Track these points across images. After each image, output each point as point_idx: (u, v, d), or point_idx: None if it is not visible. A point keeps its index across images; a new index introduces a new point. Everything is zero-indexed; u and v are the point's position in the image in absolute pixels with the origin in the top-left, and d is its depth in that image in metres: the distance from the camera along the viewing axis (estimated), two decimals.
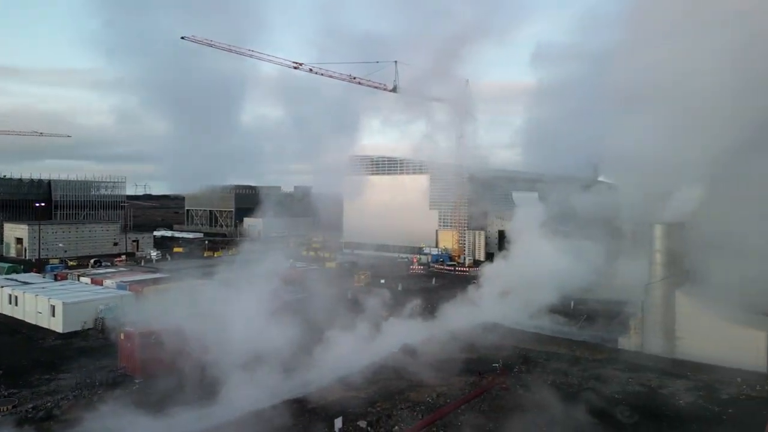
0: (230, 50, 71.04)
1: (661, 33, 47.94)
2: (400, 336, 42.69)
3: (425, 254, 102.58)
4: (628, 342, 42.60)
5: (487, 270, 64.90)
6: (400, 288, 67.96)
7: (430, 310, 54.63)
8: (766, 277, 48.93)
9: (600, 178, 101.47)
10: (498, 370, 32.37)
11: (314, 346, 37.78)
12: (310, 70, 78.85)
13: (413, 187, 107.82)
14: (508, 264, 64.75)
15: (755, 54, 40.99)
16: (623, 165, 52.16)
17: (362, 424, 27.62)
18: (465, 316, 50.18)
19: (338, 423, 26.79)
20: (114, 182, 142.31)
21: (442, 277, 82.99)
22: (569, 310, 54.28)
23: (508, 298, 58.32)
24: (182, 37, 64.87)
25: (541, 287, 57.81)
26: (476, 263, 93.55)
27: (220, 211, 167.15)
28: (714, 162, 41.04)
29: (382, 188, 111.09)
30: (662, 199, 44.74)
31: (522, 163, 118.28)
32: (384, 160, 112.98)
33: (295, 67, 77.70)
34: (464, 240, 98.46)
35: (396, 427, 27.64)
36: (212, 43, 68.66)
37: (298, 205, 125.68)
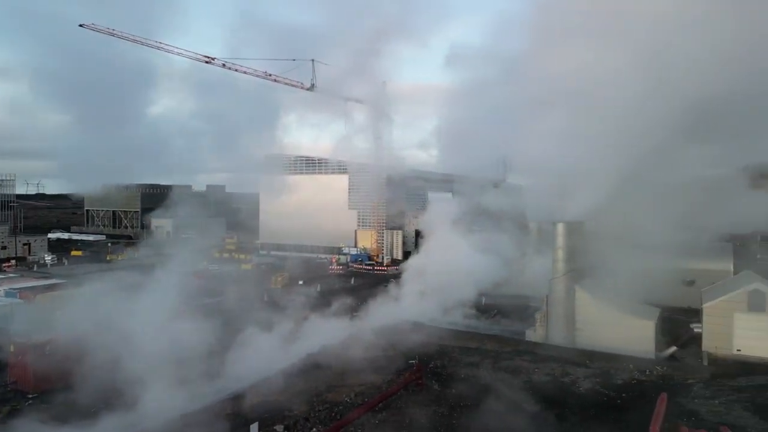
0: (135, 41, 67.06)
1: (567, 40, 51.32)
2: (319, 337, 42.43)
3: (344, 254, 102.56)
4: (534, 334, 45.17)
5: (405, 269, 66.19)
6: (318, 288, 67.47)
7: (349, 309, 54.73)
8: (656, 271, 53.94)
9: (509, 179, 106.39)
10: (414, 367, 33.06)
11: (228, 351, 36.57)
12: (223, 65, 76.30)
13: (332, 187, 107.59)
14: (423, 262, 66.45)
15: (659, 62, 44.92)
16: (529, 166, 55.18)
17: (279, 428, 27.13)
18: (383, 315, 50.77)
19: (254, 429, 26.10)
20: (1, 180, 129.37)
21: (361, 277, 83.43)
22: (481, 305, 56.49)
23: (424, 296, 59.82)
24: (80, 25, 60.36)
25: (454, 284, 59.79)
26: (394, 262, 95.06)
27: (124, 211, 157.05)
28: (615, 164, 44.56)
29: (301, 188, 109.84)
30: (565, 198, 47.88)
31: (437, 164, 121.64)
32: (302, 160, 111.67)
33: (207, 62, 74.86)
34: (383, 239, 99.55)
35: (314, 429, 27.43)
36: (114, 32, 64.46)
37: (211, 204, 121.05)
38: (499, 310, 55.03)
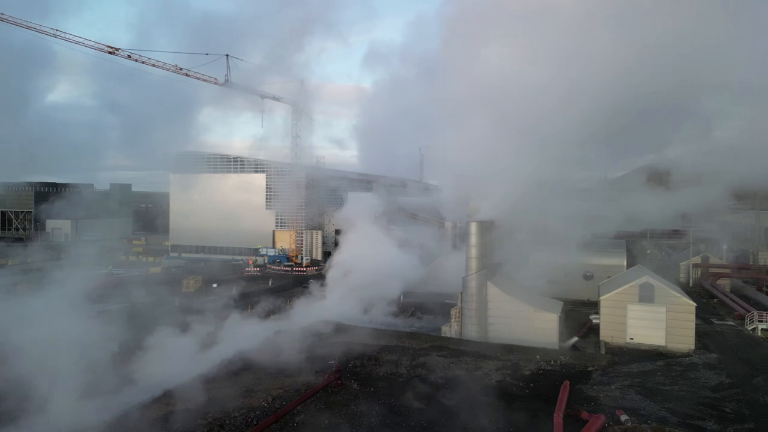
0: (27, 27, 61.38)
1: (483, 46, 53.48)
2: (235, 341, 41.22)
3: (262, 255, 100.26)
4: (449, 330, 46.63)
5: (327, 268, 65.90)
6: (234, 291, 65.44)
7: (266, 312, 53.63)
8: (560, 266, 57.53)
9: (427, 179, 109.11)
10: (333, 367, 32.96)
11: (133, 360, 34.54)
12: (129, 56, 71.72)
13: (249, 186, 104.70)
14: (344, 261, 66.57)
15: (573, 67, 47.81)
16: (443, 167, 56.93)
17: None
18: (302, 316, 50.28)
19: None
20: None
21: (280, 278, 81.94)
22: (400, 303, 57.44)
23: (345, 296, 59.95)
24: None
25: (374, 283, 60.46)
26: (314, 263, 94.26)
27: (15, 212, 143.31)
28: (526, 166, 47.00)
29: (215, 187, 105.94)
30: (477, 198, 49.86)
31: (357, 164, 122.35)
32: (217, 158, 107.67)
33: (110, 53, 69.96)
34: (302, 240, 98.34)
35: None
36: (3, 17, 58.65)
37: (116, 204, 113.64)
38: (418, 308, 56.22)
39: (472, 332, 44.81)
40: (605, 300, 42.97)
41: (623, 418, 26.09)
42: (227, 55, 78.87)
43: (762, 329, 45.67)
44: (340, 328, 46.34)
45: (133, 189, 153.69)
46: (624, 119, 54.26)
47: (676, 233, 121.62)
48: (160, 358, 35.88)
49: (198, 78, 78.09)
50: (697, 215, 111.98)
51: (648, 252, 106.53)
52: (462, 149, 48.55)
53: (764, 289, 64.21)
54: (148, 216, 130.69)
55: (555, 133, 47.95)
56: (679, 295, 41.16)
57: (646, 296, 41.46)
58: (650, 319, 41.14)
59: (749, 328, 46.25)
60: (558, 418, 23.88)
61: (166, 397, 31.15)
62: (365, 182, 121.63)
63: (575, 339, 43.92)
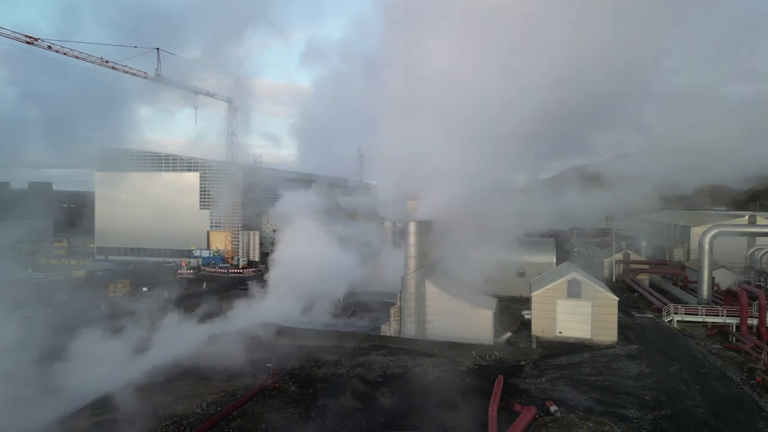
0: None
1: (422, 43, 54.15)
2: (167, 346, 39.69)
3: (196, 257, 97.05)
4: (389, 329, 46.99)
5: (263, 270, 64.62)
6: (166, 295, 62.88)
7: (200, 315, 51.94)
8: (494, 264, 59.20)
9: (367, 179, 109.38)
10: (271, 370, 32.38)
11: (55, 368, 32.49)
12: (49, 47, 67.27)
13: (182, 185, 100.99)
14: (281, 262, 65.59)
15: (509, 67, 49.18)
16: (382, 166, 57.33)
17: None
18: (239, 319, 49.10)
19: None
20: None
21: (215, 281, 79.60)
22: (340, 303, 57.27)
23: (283, 297, 59.10)
24: None
25: (314, 283, 59.96)
26: (251, 264, 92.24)
27: None
28: (464, 166, 48.06)
29: (146, 186, 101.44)
30: (415, 198, 50.55)
31: (296, 163, 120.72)
32: (148, 156, 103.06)
33: (28, 42, 65.31)
34: (238, 241, 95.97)
35: None
36: None
37: (35, 204, 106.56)
38: (359, 307, 56.27)
39: (410, 330, 45.38)
40: (536, 296, 44.75)
41: (553, 408, 27.29)
42: (158, 48, 75.73)
43: (677, 321, 49.12)
44: (279, 330, 45.57)
45: (54, 188, 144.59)
46: (558, 121, 56.77)
47: (601, 232, 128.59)
48: (85, 366, 33.97)
49: (126, 72, 74.43)
50: (619, 214, 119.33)
51: (575, 249, 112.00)
52: (400, 148, 49.06)
53: (679, 283, 69.01)
54: (70, 216, 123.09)
55: (492, 133, 49.41)
56: (603, 290, 43.57)
57: (574, 292, 43.57)
58: (577, 314, 43.27)
59: (666, 320, 49.60)
60: (492, 411, 24.63)
61: (92, 407, 29.50)
62: (304, 181, 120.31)
63: (509, 334, 45.47)
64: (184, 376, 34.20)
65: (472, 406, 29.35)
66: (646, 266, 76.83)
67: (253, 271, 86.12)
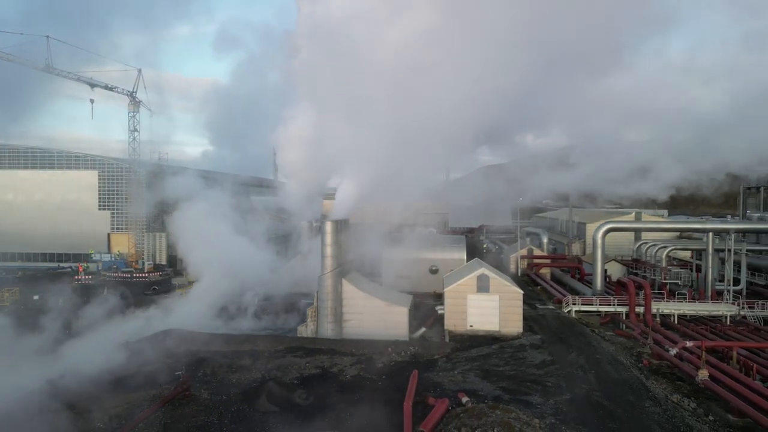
0: None
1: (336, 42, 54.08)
2: (64, 357, 36.73)
3: (95, 261, 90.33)
4: (306, 330, 46.65)
5: (171, 274, 61.66)
6: (61, 302, 57.99)
7: (100, 323, 48.48)
8: (410, 261, 60.33)
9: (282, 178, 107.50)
10: (180, 378, 31.02)
11: None
12: None
13: (78, 184, 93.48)
14: (193, 264, 63.02)
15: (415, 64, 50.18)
16: (290, 166, 56.78)
17: None
18: (145, 325, 46.53)
19: None
20: None
21: (117, 286, 74.48)
22: (256, 305, 55.89)
23: (195, 301, 56.82)
24: None
25: (228, 286, 58.14)
26: (158, 268, 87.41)
27: None
28: (373, 164, 48.73)
29: (35, 185, 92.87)
30: (328, 198, 50.51)
31: (210, 161, 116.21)
32: (36, 152, 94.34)
33: None
34: (142, 243, 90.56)
35: None
36: None
37: None
38: (275, 309, 55.24)
39: (327, 330, 45.34)
40: (449, 291, 46.42)
41: (464, 399, 28.50)
42: (48, 36, 69.66)
43: (576, 311, 53.05)
44: (190, 336, 43.66)
45: None
46: (468, 120, 58.96)
47: (508, 229, 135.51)
48: None
49: (10, 60, 67.75)
50: (524, 212, 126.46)
51: (484, 246, 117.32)
52: (313, 146, 48.87)
53: (576, 276, 74.46)
54: None
55: (406, 131, 50.55)
56: (509, 284, 46.09)
57: (483, 286, 45.71)
58: (486, 307, 45.45)
59: (566, 311, 53.39)
60: (407, 406, 25.33)
61: None
62: (215, 180, 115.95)
63: (423, 330, 46.78)
64: (84, 389, 31.79)
65: (390, 402, 29.93)
66: (548, 261, 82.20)
67: (161, 275, 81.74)
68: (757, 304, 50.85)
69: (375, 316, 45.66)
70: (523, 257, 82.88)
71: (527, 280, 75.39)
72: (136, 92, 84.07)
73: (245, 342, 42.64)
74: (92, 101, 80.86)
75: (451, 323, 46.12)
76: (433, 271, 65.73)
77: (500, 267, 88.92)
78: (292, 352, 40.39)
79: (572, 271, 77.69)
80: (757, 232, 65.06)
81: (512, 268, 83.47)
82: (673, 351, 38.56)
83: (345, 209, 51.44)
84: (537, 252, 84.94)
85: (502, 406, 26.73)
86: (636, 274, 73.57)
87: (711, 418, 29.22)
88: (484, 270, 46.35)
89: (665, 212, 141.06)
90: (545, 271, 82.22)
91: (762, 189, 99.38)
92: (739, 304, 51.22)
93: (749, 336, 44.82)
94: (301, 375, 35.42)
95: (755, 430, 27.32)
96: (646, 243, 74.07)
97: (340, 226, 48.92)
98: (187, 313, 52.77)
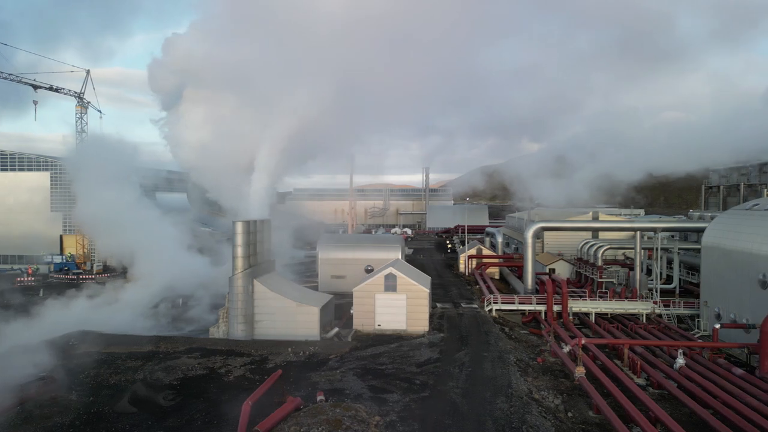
0: None
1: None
2: None
3: (47, 263, 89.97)
4: (217, 330, 46.60)
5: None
6: None
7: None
8: (344, 262, 59.85)
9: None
10: (45, 380, 30.90)
11: None
12: None
13: (30, 186, 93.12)
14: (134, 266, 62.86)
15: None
16: (201, 166, 56.77)
17: None
18: (49, 328, 46.30)
19: None
20: None
21: (59, 287, 74.16)
22: (179, 306, 55.88)
23: (121, 301, 56.82)
24: None
25: (158, 286, 58.07)
26: (107, 269, 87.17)
27: None
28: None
29: None
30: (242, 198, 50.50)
31: (170, 162, 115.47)
32: None
33: None
34: (94, 245, 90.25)
35: None
36: None
37: None
38: (199, 311, 55.16)
39: (238, 331, 45.19)
40: (357, 291, 46.41)
41: (319, 398, 28.46)
42: None
43: (496, 310, 53.12)
44: (94, 337, 43.51)
45: None
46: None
47: (479, 228, 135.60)
48: None
49: None
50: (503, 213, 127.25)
51: (449, 246, 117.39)
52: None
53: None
54: None
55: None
56: (416, 283, 46.04)
57: (390, 286, 45.70)
58: (394, 306, 45.46)
59: (487, 309, 53.45)
60: (246, 405, 25.27)
61: None
62: (180, 181, 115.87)
63: (336, 329, 46.73)
64: None
65: (259, 402, 29.83)
66: (495, 260, 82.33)
67: (108, 277, 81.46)
68: (672, 303, 51.00)
69: (286, 316, 45.56)
70: (471, 257, 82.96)
71: (472, 280, 75.40)
72: (83, 93, 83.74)
73: (148, 343, 42.48)
74: (35, 103, 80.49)
75: (359, 323, 46.10)
76: (369, 271, 65.52)
77: (453, 266, 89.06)
78: (190, 353, 40.23)
79: (519, 270, 77.74)
80: (681, 230, 65.29)
81: (461, 267, 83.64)
82: (566, 349, 38.70)
83: (262, 207, 51.39)
84: (486, 252, 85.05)
85: (345, 404, 26.71)
86: (580, 273, 73.91)
87: (570, 414, 29.33)
88: (392, 269, 46.33)
89: (641, 212, 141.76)
90: (494, 271, 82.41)
91: (721, 188, 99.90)
92: (655, 303, 51.38)
93: (654, 334, 44.92)
94: (185, 376, 35.29)
95: (607, 426, 27.43)
96: (587, 242, 74.23)
97: (256, 226, 48.85)
98: (112, 313, 52.83)
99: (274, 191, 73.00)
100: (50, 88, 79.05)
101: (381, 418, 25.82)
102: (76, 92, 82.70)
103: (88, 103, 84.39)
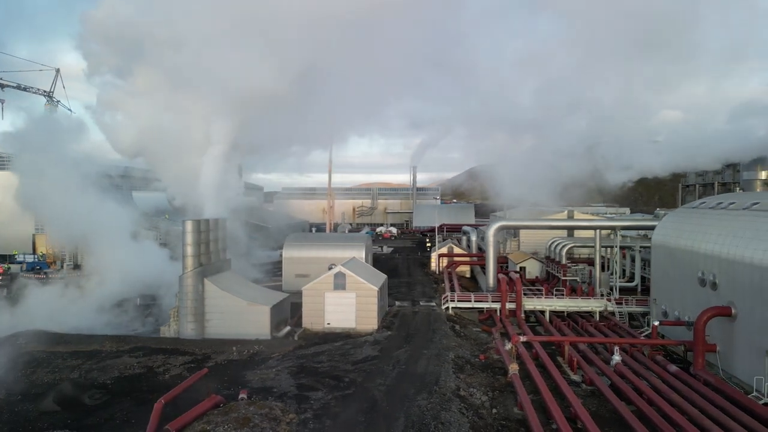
0: None
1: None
2: None
3: (19, 263, 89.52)
4: (168, 330, 46.50)
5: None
6: None
7: None
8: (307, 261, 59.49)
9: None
10: None
11: None
12: None
13: (3, 184, 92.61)
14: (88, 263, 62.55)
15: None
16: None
17: None
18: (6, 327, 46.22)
19: None
20: None
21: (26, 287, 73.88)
22: (136, 305, 55.69)
23: (77, 299, 56.60)
24: None
25: (114, 285, 57.87)
26: (77, 267, 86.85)
27: None
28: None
29: None
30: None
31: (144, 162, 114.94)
32: None
33: None
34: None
35: None
36: None
37: None
38: (155, 309, 55.05)
39: (188, 330, 45.12)
40: (306, 290, 46.42)
41: (240, 396, 28.45)
42: None
43: (453, 308, 53.22)
44: (45, 336, 43.33)
45: None
46: None
47: (458, 227, 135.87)
48: None
49: None
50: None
51: (428, 245, 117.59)
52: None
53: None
54: None
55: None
56: (365, 281, 46.05)
57: (340, 284, 45.72)
58: (343, 305, 45.47)
59: (443, 307, 53.52)
60: (158, 404, 25.29)
61: None
62: (153, 180, 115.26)
63: (288, 328, 46.74)
64: None
65: (178, 399, 29.84)
66: (465, 258, 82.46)
67: (79, 275, 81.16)
68: (625, 300, 51.23)
69: (237, 315, 45.50)
70: (441, 255, 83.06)
71: (441, 278, 75.44)
72: (53, 91, 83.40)
73: (93, 342, 42.33)
74: (2, 101, 80.00)
75: (308, 321, 46.10)
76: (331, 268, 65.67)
77: (427, 265, 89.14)
78: (133, 352, 40.10)
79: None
80: (637, 228, 65.53)
81: (432, 265, 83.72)
82: (508, 346, 38.81)
83: (218, 205, 51.31)
84: (458, 250, 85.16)
85: (260, 402, 26.76)
86: (548, 272, 74.10)
87: (495, 411, 29.44)
88: (341, 268, 46.35)
89: (627, 210, 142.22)
90: (465, 269, 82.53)
91: (697, 186, 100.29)
92: (609, 300, 51.60)
93: (602, 331, 45.10)
94: (120, 375, 35.28)
95: (525, 422, 27.55)
96: (554, 241, 74.42)
97: (208, 225, 48.80)
98: (65, 312, 52.61)
99: (241, 189, 72.88)
100: (18, 87, 78.68)
101: (296, 416, 25.87)
102: (45, 91, 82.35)
103: (58, 101, 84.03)
